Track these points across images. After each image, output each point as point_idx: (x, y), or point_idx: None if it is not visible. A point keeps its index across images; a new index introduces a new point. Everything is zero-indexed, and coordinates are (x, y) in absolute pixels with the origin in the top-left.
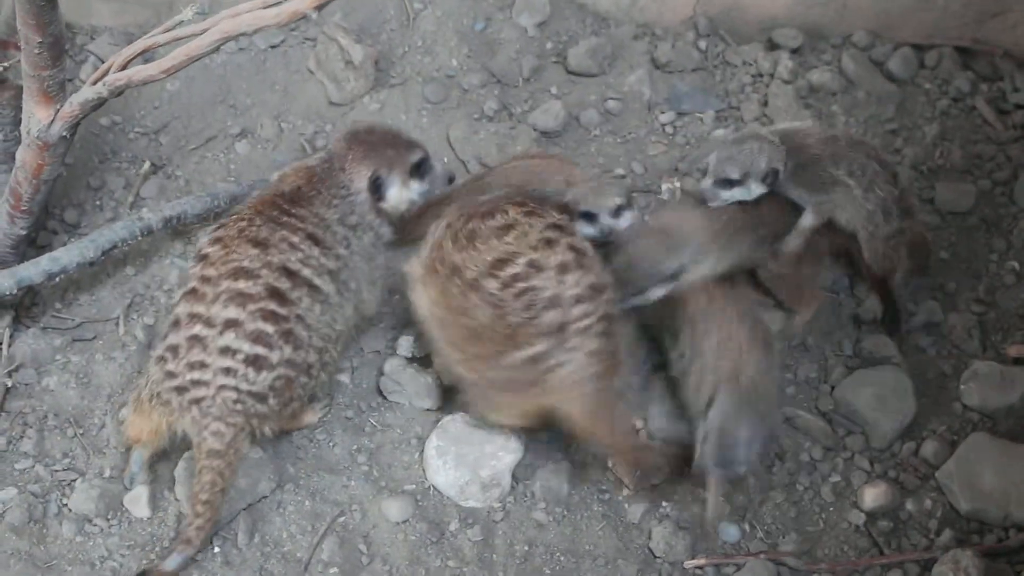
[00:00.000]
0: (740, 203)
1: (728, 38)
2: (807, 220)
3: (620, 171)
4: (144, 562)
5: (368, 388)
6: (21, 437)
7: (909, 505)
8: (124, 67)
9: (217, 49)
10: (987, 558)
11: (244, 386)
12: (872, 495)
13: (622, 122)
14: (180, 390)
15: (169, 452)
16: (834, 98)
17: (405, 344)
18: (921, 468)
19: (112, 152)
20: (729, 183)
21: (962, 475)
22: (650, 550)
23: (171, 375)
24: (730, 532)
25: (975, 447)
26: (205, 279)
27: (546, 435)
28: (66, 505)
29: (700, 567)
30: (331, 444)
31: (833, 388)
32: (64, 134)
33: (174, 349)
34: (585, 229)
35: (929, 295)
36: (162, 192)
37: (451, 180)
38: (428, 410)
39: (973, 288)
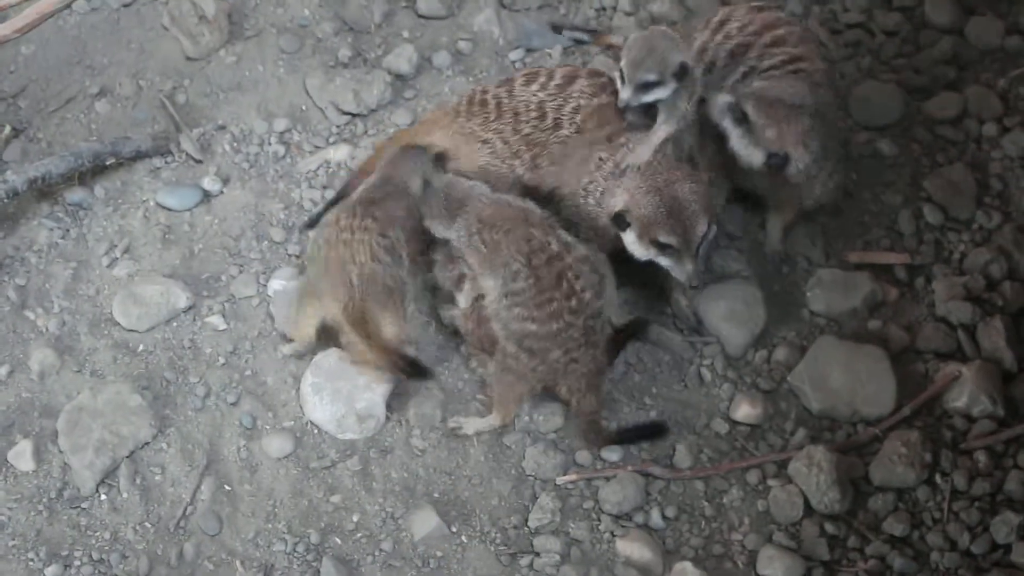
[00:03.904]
0: None
1: None
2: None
3: None
4: (32, 514)
5: (246, 329)
6: None
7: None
8: None
9: (69, 6)
10: (839, 453)
11: None
12: (745, 412)
13: (473, 62)
14: None
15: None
16: (674, 27)
17: (277, 287)
18: (775, 373)
19: None
20: (647, 85)
21: (812, 377)
22: (522, 468)
23: None
24: (611, 453)
25: (823, 350)
26: None
27: None
28: None
29: (572, 482)
30: (209, 386)
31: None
32: None
33: None
34: None
35: None
36: (25, 155)
37: None
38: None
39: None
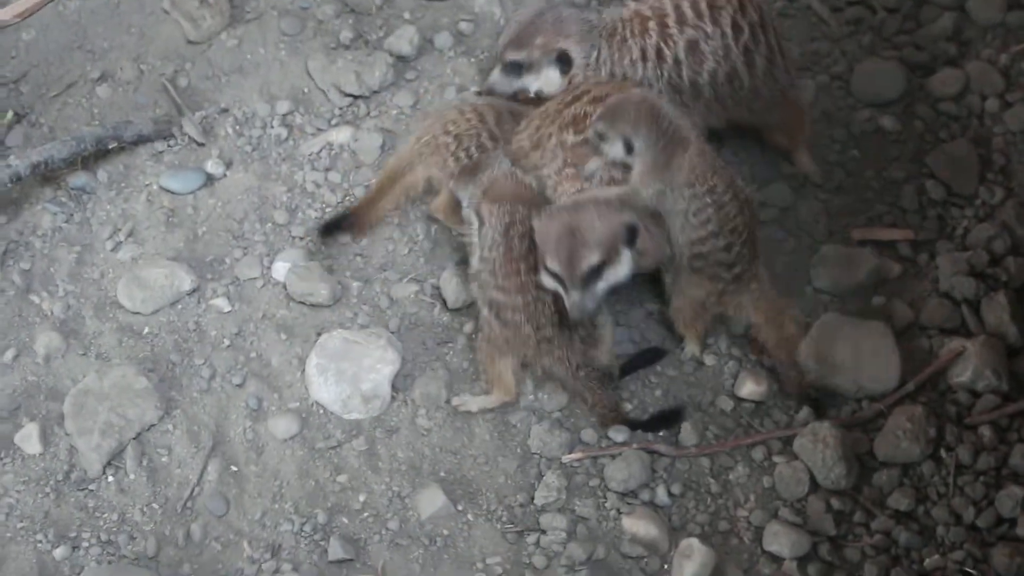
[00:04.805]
0: None
1: None
2: None
3: (475, 89)
4: (40, 496)
5: (251, 311)
6: None
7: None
8: None
9: None
10: (844, 428)
11: None
12: (750, 389)
13: (475, 42)
14: None
15: None
16: None
17: (280, 269)
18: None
19: None
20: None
21: (817, 353)
22: (528, 447)
23: None
24: (617, 432)
25: (827, 326)
26: None
27: (422, 345)
28: None
29: (577, 460)
30: (214, 368)
31: None
32: None
33: None
34: None
35: (781, 181)
36: (27, 140)
37: None
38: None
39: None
